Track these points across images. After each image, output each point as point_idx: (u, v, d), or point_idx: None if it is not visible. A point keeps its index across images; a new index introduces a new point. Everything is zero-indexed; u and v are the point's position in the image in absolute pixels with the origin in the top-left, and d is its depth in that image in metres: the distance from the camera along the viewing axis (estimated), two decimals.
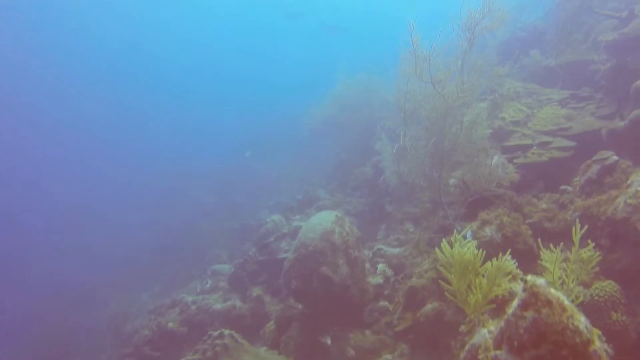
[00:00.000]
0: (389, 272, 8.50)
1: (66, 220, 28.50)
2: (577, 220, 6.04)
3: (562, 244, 4.01)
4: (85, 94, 48.81)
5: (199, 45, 59.74)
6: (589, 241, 3.35)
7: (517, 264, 3.69)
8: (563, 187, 6.84)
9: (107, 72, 52.23)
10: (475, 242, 3.63)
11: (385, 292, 8.05)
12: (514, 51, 11.82)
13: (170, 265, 18.60)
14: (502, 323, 2.81)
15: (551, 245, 3.67)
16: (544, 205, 6.63)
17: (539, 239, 4.58)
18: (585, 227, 3.62)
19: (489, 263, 3.47)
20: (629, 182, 5.72)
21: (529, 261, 5.98)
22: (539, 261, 3.92)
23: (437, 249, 3.76)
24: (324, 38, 42.38)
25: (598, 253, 3.50)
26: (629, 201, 5.31)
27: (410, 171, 6.69)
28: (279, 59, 57.06)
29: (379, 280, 8.29)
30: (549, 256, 3.51)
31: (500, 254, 3.46)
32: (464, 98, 5.82)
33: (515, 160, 7.61)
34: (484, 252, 3.53)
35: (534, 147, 7.79)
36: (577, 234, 3.46)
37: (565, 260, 3.82)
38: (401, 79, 6.00)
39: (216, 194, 24.10)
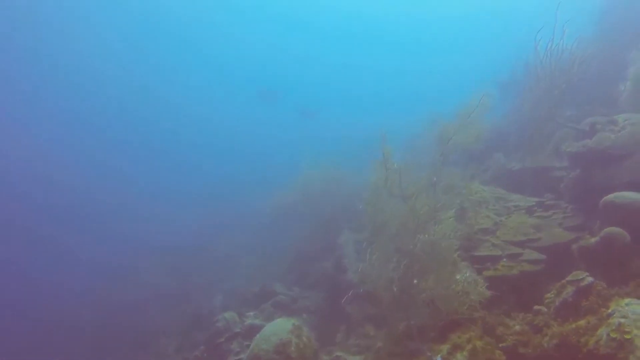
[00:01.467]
0: None
1: None
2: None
3: None
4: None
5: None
6: None
7: None
8: (537, 307, 6.45)
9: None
10: None
11: None
12: (477, 153, 11.89)
13: (110, 354, 16.94)
14: None
15: None
16: (517, 327, 6.17)
17: None
18: None
19: None
20: (609, 310, 5.38)
21: None
22: None
23: None
24: (296, 120, 42.59)
25: None
26: (612, 335, 4.93)
27: (377, 289, 6.16)
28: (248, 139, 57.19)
29: None
30: None
31: None
32: (437, 216, 5.48)
33: (485, 273, 7.24)
34: None
35: (504, 259, 7.48)
36: None
37: None
38: (371, 190, 5.64)
39: (169, 272, 22.64)
